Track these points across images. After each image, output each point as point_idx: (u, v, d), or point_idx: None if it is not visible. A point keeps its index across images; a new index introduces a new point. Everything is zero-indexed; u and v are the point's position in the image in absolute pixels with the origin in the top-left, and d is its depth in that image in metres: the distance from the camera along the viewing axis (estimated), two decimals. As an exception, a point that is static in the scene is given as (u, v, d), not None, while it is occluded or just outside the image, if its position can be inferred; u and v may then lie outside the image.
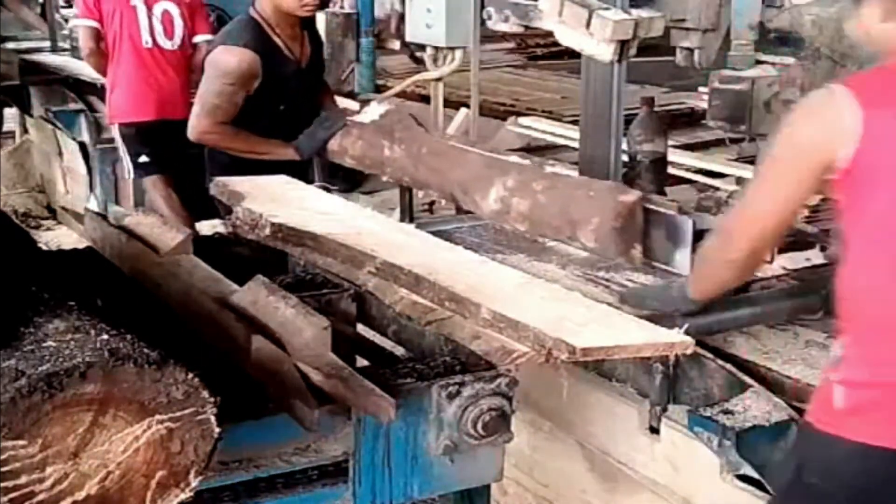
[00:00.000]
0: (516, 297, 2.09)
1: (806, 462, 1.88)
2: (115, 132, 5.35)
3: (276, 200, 2.68)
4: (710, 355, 2.23)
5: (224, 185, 2.87)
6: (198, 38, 5.32)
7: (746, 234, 2.00)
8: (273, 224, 2.43)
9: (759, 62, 3.29)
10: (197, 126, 3.69)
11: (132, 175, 5.31)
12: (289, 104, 3.73)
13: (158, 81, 5.23)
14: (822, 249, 2.93)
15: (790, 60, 3.32)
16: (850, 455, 1.80)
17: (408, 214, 3.39)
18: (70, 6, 7.50)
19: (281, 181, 2.99)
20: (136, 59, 5.23)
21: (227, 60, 3.62)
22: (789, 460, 1.94)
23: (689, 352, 1.98)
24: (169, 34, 5.25)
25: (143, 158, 5.24)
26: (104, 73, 5.35)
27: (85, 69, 5.88)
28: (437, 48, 5.46)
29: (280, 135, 3.65)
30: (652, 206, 2.63)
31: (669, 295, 2.32)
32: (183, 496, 1.56)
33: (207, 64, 3.71)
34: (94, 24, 5.24)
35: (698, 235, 2.57)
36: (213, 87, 3.64)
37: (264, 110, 3.66)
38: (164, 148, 5.13)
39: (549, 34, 2.69)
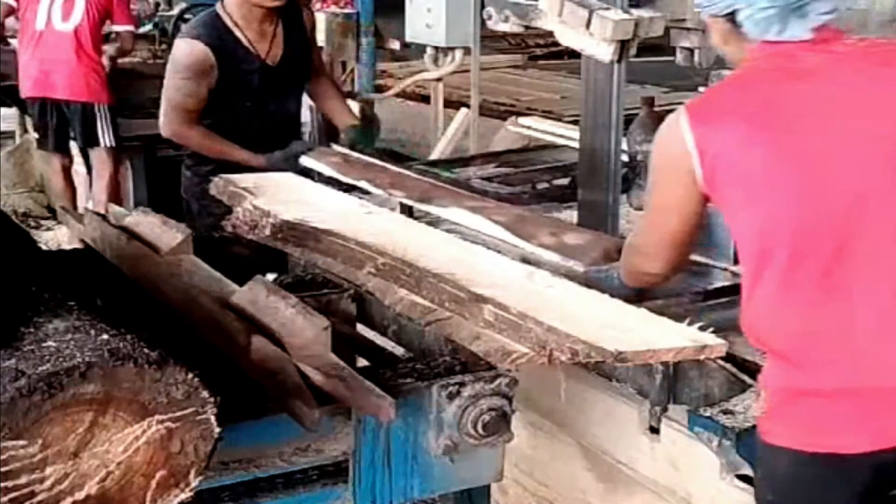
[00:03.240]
0: (548, 297, 2.10)
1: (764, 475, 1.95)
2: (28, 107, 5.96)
3: (282, 198, 2.69)
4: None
5: (225, 184, 2.87)
6: (116, 28, 5.87)
7: (655, 251, 2.07)
8: (273, 224, 2.44)
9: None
10: (165, 123, 3.70)
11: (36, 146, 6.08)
12: (253, 101, 3.70)
13: (45, 62, 5.67)
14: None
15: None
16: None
17: (408, 212, 3.39)
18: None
19: (287, 178, 2.99)
20: (30, 40, 5.72)
21: (178, 54, 3.63)
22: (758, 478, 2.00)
23: (722, 354, 1.98)
24: (65, 17, 5.56)
25: (35, 133, 5.96)
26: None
27: None
28: (437, 48, 5.47)
29: (244, 131, 3.66)
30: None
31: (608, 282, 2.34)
32: (183, 496, 1.56)
33: (169, 61, 3.74)
34: (11, 2, 5.75)
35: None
36: (170, 83, 3.65)
37: (225, 105, 3.64)
38: (50, 127, 5.76)
39: (549, 34, 2.69)
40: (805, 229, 1.79)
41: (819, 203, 1.79)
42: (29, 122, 6.95)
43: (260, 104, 3.71)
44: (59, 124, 5.76)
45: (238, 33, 3.65)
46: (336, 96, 4.09)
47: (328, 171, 3.29)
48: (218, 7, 3.72)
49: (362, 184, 3.15)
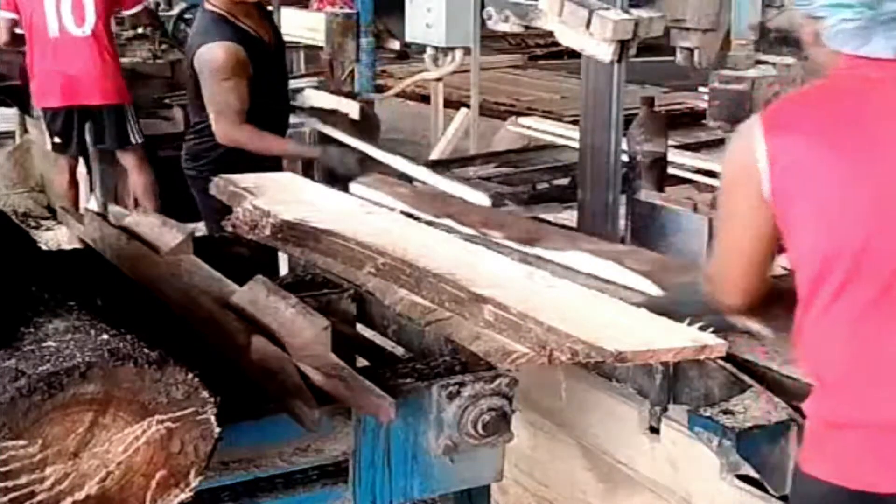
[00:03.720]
0: (548, 297, 2.09)
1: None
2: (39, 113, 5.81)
3: (282, 198, 2.69)
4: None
5: (225, 184, 2.87)
6: (129, 12, 5.85)
7: (733, 282, 1.93)
8: (273, 224, 2.43)
9: (759, 62, 3.28)
10: (218, 131, 3.75)
11: (50, 148, 5.84)
12: (273, 87, 3.86)
13: (70, 70, 5.50)
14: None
15: (790, 60, 3.32)
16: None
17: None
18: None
19: (286, 178, 2.99)
20: (43, 48, 5.54)
21: (213, 59, 3.68)
22: None
23: (722, 354, 1.97)
24: (79, 22, 5.43)
25: (56, 139, 5.70)
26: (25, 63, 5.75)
27: None
28: (437, 48, 5.47)
29: (270, 118, 3.78)
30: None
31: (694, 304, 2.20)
32: (183, 496, 1.56)
33: (198, 71, 3.76)
34: (13, 15, 5.54)
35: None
36: (214, 89, 3.70)
37: (255, 98, 3.74)
38: (74, 133, 5.60)
39: (549, 34, 2.69)
40: (867, 253, 1.70)
41: (887, 227, 1.70)
42: (32, 123, 6.95)
43: (277, 89, 3.89)
44: (83, 129, 5.65)
45: (243, 26, 3.76)
46: None
47: (398, 205, 2.95)
48: (207, 7, 3.80)
49: (446, 221, 2.81)
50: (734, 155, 1.85)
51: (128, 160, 5.77)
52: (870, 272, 1.71)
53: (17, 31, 5.71)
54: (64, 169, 5.95)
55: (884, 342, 1.73)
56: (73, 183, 5.97)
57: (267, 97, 3.80)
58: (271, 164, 3.66)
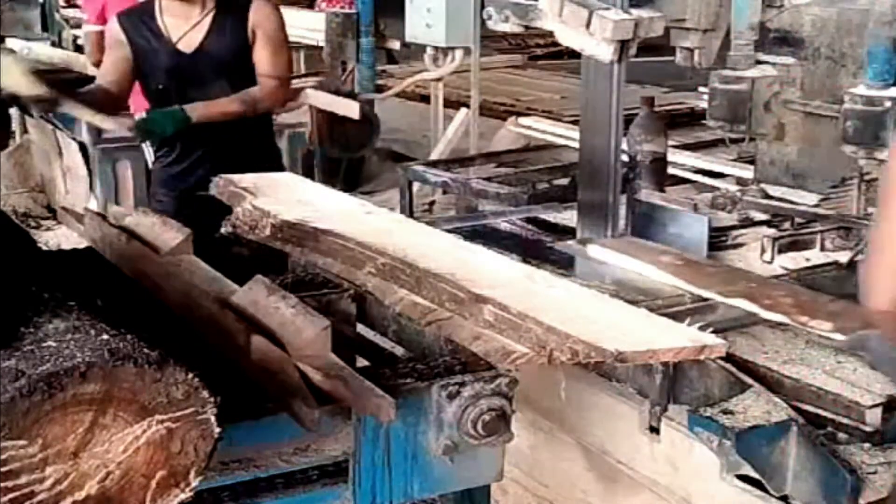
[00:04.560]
0: (548, 297, 2.08)
1: None
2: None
3: (282, 198, 2.68)
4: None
5: (225, 184, 2.87)
6: None
7: None
8: (273, 224, 2.43)
9: (759, 62, 3.28)
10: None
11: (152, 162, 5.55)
12: (165, 84, 3.74)
13: None
14: (822, 249, 2.94)
15: (790, 60, 3.32)
16: None
17: (408, 212, 3.40)
18: (69, 6, 7.55)
19: (286, 178, 2.99)
20: None
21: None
22: None
23: (722, 354, 1.96)
24: None
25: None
26: None
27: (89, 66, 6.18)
28: (437, 48, 5.47)
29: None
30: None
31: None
32: (183, 496, 1.56)
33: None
34: (101, 28, 5.41)
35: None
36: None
37: (141, 83, 3.80)
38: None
39: (549, 34, 2.69)
40: None
41: None
42: (32, 123, 6.95)
43: (175, 89, 3.72)
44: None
45: (157, 15, 3.72)
46: (236, 97, 3.75)
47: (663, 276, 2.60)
48: None
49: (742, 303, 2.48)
50: None
51: None
52: None
53: None
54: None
55: None
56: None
57: (164, 95, 3.73)
58: (270, 165, 3.60)
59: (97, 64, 5.54)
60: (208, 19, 3.71)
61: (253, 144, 3.75)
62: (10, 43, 7.15)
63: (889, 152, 1.85)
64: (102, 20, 5.44)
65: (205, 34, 3.71)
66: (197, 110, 3.61)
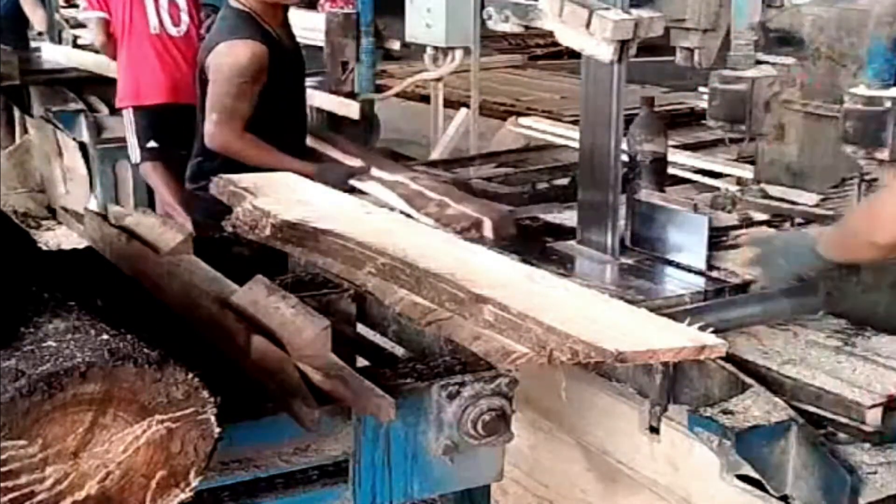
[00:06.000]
0: (548, 297, 2.09)
1: None
2: (126, 117, 5.47)
3: (282, 198, 2.68)
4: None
5: (225, 184, 2.87)
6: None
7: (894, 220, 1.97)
8: (273, 224, 2.43)
9: (759, 62, 3.28)
10: (218, 134, 3.48)
11: (138, 160, 5.41)
12: (287, 96, 3.65)
13: (167, 66, 5.41)
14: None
15: (790, 60, 3.32)
16: None
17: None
18: (69, 6, 7.56)
19: (286, 178, 2.99)
20: (145, 45, 5.43)
21: (238, 56, 3.45)
22: None
23: (722, 354, 1.97)
24: (175, 21, 5.43)
25: (152, 144, 5.36)
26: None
27: (87, 60, 6.35)
28: (437, 48, 5.47)
29: (283, 130, 3.56)
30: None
31: (799, 251, 2.28)
32: (183, 496, 1.56)
33: (214, 66, 3.54)
34: (104, 14, 5.45)
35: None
36: (228, 89, 3.47)
37: (269, 104, 3.52)
38: (173, 133, 5.16)
39: (549, 34, 2.68)
40: None
41: None
42: (32, 123, 6.95)
43: (295, 99, 3.68)
44: (185, 129, 5.37)
45: (269, 29, 3.57)
46: None
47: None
48: (235, 4, 3.60)
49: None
50: None
51: None
52: None
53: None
54: (160, 173, 5.32)
55: None
56: (171, 187, 5.20)
57: (284, 107, 3.59)
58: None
59: (103, 46, 5.58)
60: (288, 23, 3.77)
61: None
62: (45, 49, 7.12)
63: None
64: (101, 6, 5.46)
65: (289, 35, 3.74)
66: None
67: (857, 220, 2.16)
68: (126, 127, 5.45)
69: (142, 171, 5.45)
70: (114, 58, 5.56)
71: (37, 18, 7.32)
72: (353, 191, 3.09)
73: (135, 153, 5.43)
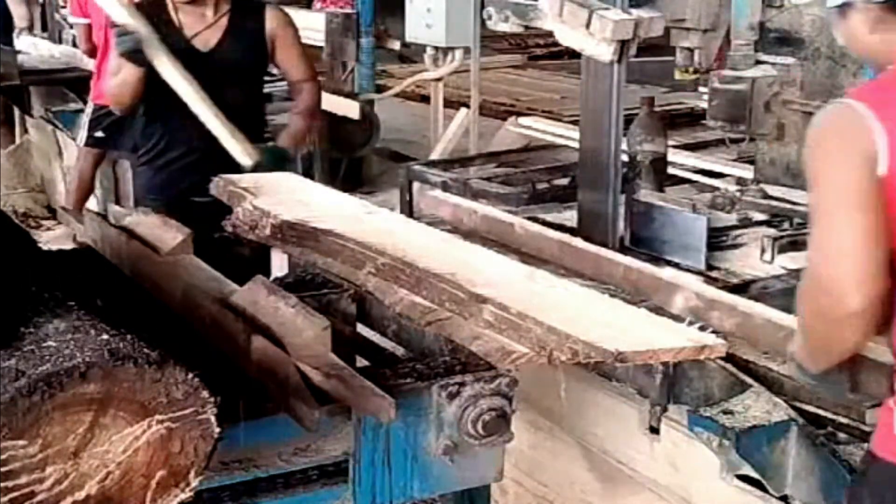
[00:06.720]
0: (548, 297, 2.09)
1: (871, 492, 1.77)
2: (88, 107, 5.69)
3: (282, 198, 2.68)
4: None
5: (225, 184, 2.87)
6: None
7: (846, 277, 1.68)
8: (273, 224, 2.43)
9: (759, 62, 3.29)
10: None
11: (83, 143, 5.73)
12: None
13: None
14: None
15: (790, 60, 3.32)
16: None
17: (408, 212, 3.39)
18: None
19: (286, 178, 2.99)
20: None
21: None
22: (858, 492, 1.82)
23: (722, 354, 1.96)
24: None
25: (99, 133, 5.63)
26: None
27: (55, 50, 6.69)
28: (437, 48, 5.47)
29: (180, 113, 3.55)
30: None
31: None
32: (183, 496, 1.56)
33: None
34: (87, 21, 5.61)
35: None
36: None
37: (156, 82, 3.57)
38: (121, 134, 5.43)
39: (549, 34, 2.69)
40: None
41: None
42: (32, 123, 6.96)
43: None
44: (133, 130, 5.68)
45: (171, 11, 3.63)
46: (297, 113, 3.86)
47: None
48: None
49: None
50: (837, 139, 1.72)
51: None
52: None
53: None
54: (89, 160, 5.87)
55: None
56: (86, 175, 5.91)
57: (171, 91, 3.55)
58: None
59: (89, 53, 5.73)
60: (224, 20, 3.68)
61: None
62: (19, 40, 7.17)
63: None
64: (82, 13, 5.61)
65: (222, 35, 3.67)
66: (286, 142, 3.69)
67: (809, 316, 1.80)
68: (85, 114, 5.69)
69: (79, 153, 5.81)
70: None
71: (19, 14, 7.41)
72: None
73: (83, 136, 5.71)
